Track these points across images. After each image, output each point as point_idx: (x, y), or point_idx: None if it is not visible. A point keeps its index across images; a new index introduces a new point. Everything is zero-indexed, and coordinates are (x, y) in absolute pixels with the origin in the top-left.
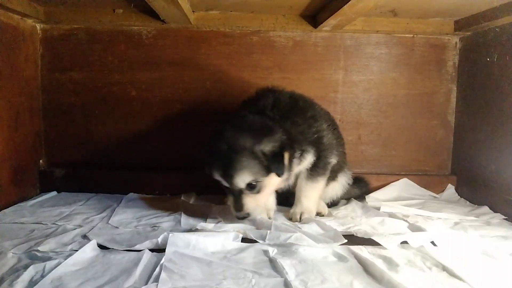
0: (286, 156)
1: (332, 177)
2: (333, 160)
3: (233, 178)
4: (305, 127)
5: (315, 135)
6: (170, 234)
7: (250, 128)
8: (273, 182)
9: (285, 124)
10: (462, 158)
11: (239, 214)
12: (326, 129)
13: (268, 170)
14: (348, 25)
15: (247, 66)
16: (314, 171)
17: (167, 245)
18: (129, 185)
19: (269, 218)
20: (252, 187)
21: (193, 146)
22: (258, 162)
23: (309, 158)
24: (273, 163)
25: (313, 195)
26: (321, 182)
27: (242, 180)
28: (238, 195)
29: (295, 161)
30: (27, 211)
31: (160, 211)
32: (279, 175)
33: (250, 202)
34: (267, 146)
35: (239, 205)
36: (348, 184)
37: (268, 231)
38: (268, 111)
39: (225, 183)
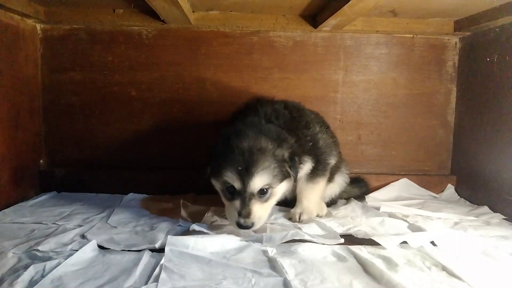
0: (298, 161)
1: (329, 179)
2: (332, 161)
3: (253, 178)
4: (302, 137)
5: (310, 143)
6: (169, 236)
7: (269, 133)
8: (280, 191)
9: (290, 134)
10: (462, 158)
11: (244, 221)
12: (320, 131)
13: (283, 177)
14: (348, 25)
15: (247, 66)
16: (314, 173)
17: (166, 245)
18: (129, 185)
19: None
20: (263, 193)
21: (193, 146)
22: (278, 165)
23: (307, 165)
24: (293, 167)
25: (313, 196)
26: (321, 183)
27: (261, 181)
28: (248, 199)
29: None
30: (27, 211)
31: (159, 211)
32: (295, 179)
33: (258, 210)
34: (286, 151)
35: (246, 211)
36: (346, 183)
37: (264, 234)
38: (274, 120)
39: (239, 184)
